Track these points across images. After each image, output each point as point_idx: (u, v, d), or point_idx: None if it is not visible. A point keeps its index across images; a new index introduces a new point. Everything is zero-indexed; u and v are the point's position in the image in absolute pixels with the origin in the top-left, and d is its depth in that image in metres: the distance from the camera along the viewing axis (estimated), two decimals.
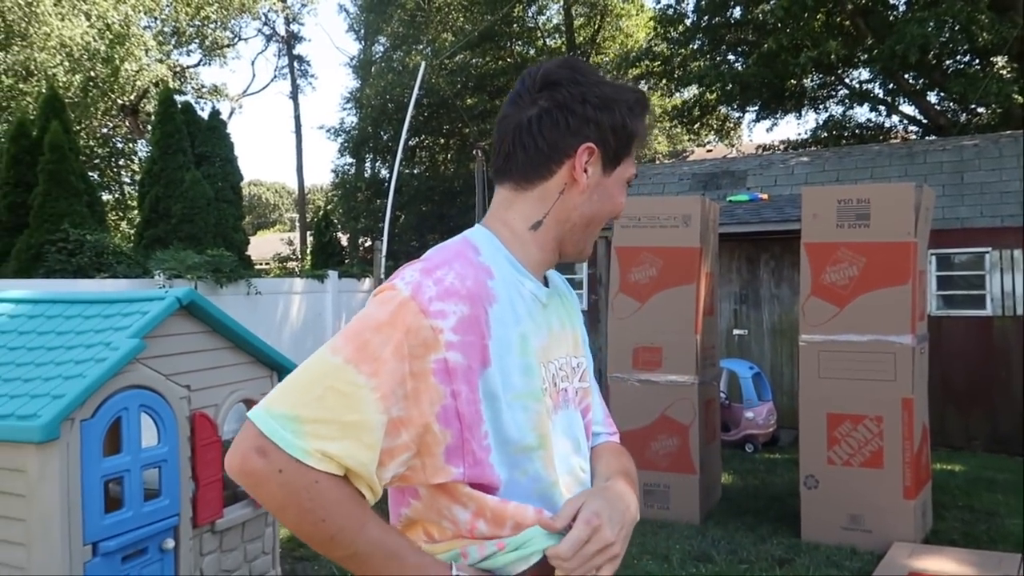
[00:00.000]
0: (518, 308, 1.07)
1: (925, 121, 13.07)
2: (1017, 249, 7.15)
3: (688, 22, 13.43)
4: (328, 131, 20.09)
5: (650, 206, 5.50)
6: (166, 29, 21.45)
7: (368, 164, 19.72)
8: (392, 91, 17.01)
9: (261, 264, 18.84)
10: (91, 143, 18.63)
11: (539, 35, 19.20)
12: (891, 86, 12.70)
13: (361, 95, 19.09)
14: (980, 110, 11.88)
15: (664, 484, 5.13)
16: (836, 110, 13.94)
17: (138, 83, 18.02)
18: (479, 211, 10.97)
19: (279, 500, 0.96)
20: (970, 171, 7.66)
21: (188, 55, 23.20)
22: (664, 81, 14.05)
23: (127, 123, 20.15)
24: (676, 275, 5.22)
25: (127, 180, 19.88)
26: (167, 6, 19.83)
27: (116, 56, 16.56)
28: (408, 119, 11.49)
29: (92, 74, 16.62)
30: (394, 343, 0.96)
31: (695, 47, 13.77)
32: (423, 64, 12.93)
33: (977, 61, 11.78)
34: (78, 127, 15.86)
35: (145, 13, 19.30)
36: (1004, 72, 10.02)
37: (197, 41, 22.91)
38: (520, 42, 19.04)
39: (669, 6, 13.99)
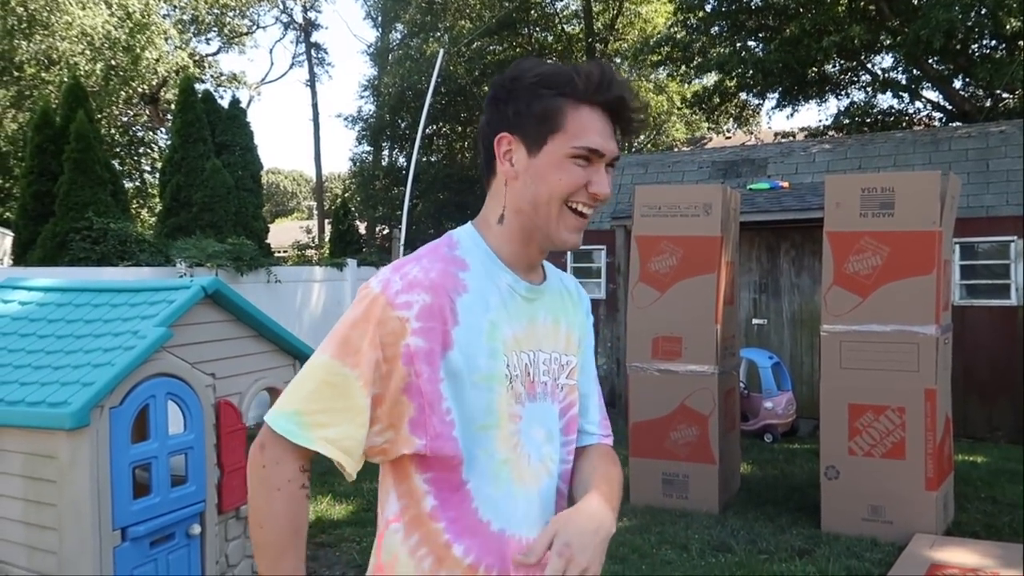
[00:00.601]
0: (490, 298, 1.16)
1: (950, 107, 12.87)
2: None
3: (708, 8, 13.28)
4: (346, 119, 20.10)
5: (671, 195, 5.47)
6: (185, 17, 21.56)
7: (386, 152, 19.75)
8: (410, 79, 16.99)
9: (280, 252, 18.96)
10: (112, 131, 18.79)
11: (557, 21, 19.08)
12: (915, 72, 12.51)
13: (379, 83, 19.09)
14: (1006, 96, 11.68)
15: (683, 474, 5.13)
16: (858, 96, 13.77)
17: (158, 71, 18.13)
18: None
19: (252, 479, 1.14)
20: (995, 158, 7.55)
21: (207, 43, 23.32)
22: (684, 68, 13.92)
23: (147, 112, 20.30)
24: (697, 264, 5.20)
25: (147, 169, 20.06)
26: None
27: (137, 44, 16.67)
28: (426, 107, 11.48)
29: (113, 63, 16.74)
30: (368, 336, 1.10)
31: (715, 33, 13.63)
32: (441, 51, 12.89)
33: (1004, 46, 11.57)
34: (99, 116, 16.01)
35: (165, 1, 19.40)
36: None
37: (216, 29, 23.01)
38: (538, 28, 18.93)
39: None
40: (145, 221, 18.30)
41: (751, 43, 13.50)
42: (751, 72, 11.55)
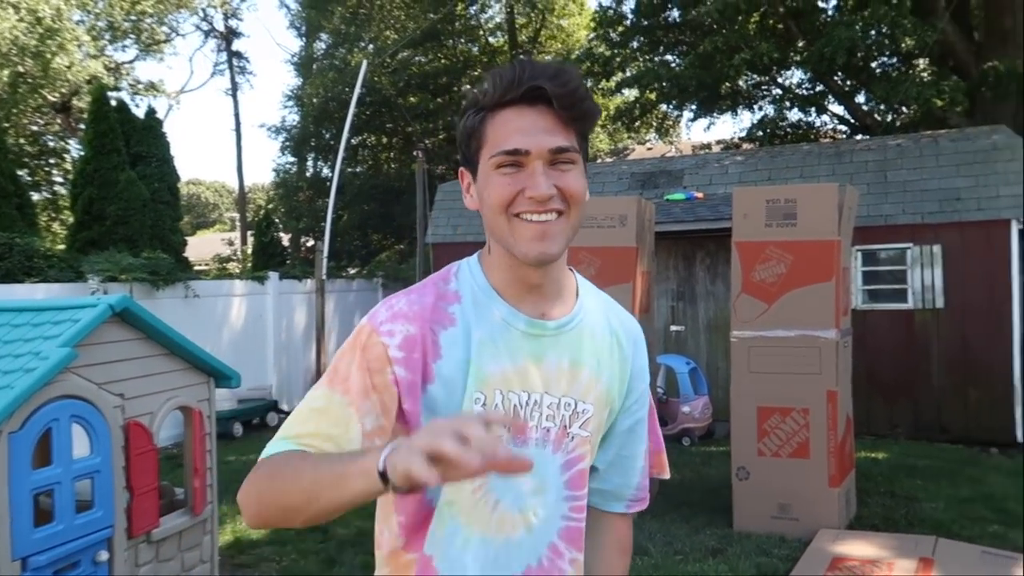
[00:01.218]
0: (476, 332, 1.11)
1: (853, 121, 13.55)
2: (936, 245, 7.51)
3: (628, 23, 13.64)
4: (269, 129, 19.83)
5: (587, 206, 5.60)
6: (100, 23, 20.78)
7: (310, 163, 19.48)
8: (334, 89, 16.83)
9: (201, 265, 18.45)
10: (20, 141, 17.96)
11: (482, 33, 19.23)
12: (821, 87, 13.13)
13: (302, 93, 18.84)
14: (904, 110, 12.38)
15: None
16: (770, 110, 14.35)
17: (70, 79, 17.43)
18: (420, 211, 10.98)
19: (248, 496, 1.06)
20: (893, 170, 8.01)
21: (123, 51, 22.53)
22: (604, 82, 14.25)
23: (59, 120, 19.48)
24: (613, 274, 5.34)
25: (59, 180, 19.23)
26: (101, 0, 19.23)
27: (47, 51, 16.01)
28: (350, 118, 11.42)
29: (21, 69, 16.02)
30: (356, 362, 1.09)
31: (634, 47, 14.00)
32: (365, 62, 12.84)
33: (901, 63, 12.27)
34: (6, 124, 15.29)
35: (78, 7, 18.69)
36: (924, 75, 10.49)
37: (133, 36, 22.27)
38: (463, 40, 19.04)
39: (609, 7, 14.19)
40: (57, 235, 17.54)
41: (668, 57, 13.92)
42: (668, 87, 11.91)
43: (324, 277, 9.99)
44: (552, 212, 1.07)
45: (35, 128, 19.22)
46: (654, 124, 18.02)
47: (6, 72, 15.69)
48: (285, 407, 9.43)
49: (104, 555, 3.07)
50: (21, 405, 2.71)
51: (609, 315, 1.24)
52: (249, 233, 19.50)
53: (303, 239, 18.23)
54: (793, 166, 8.60)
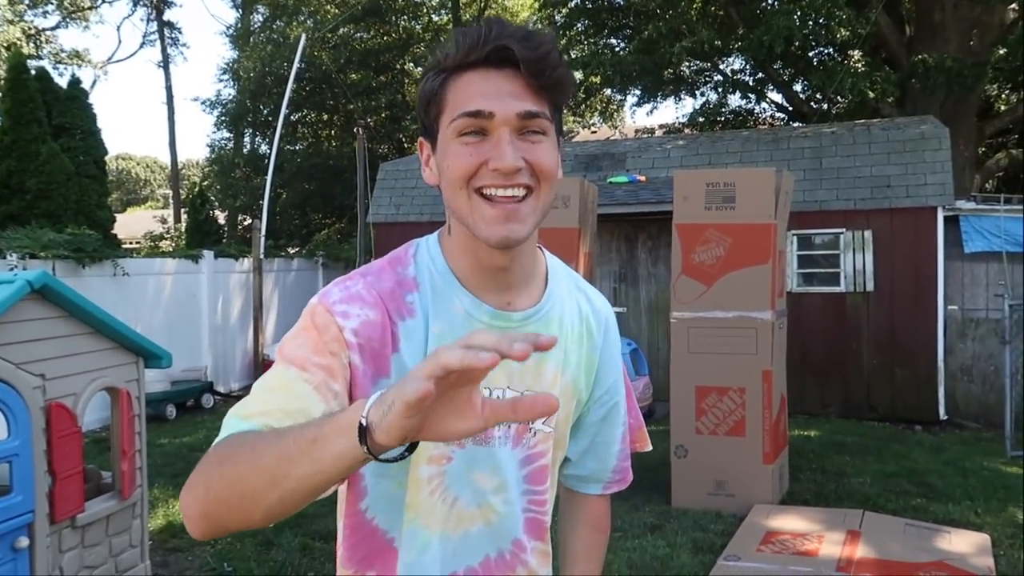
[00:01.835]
0: (435, 324, 1.01)
1: (791, 108, 13.86)
2: (867, 230, 7.75)
3: (572, 4, 13.62)
4: (203, 103, 19.16)
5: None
6: None
7: (247, 139, 18.95)
8: (272, 63, 16.37)
9: (131, 243, 17.80)
10: None
11: (425, 10, 18.95)
12: (760, 75, 13.38)
13: (238, 66, 18.27)
14: (839, 99, 12.72)
15: None
16: (711, 96, 14.57)
17: None
18: (361, 189, 10.79)
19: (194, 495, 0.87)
20: (828, 156, 8.22)
21: (44, 16, 21.47)
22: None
23: None
24: (555, 254, 5.33)
25: None
26: None
27: None
28: (288, 93, 11.13)
29: None
30: (312, 342, 0.96)
31: (579, 29, 14.00)
32: (304, 37, 12.51)
33: (837, 53, 12.58)
34: None
35: None
36: (859, 65, 10.78)
37: (55, 2, 21.21)
38: (406, 17, 18.74)
39: None
40: None
41: (612, 41, 13.97)
42: (612, 72, 11.96)
43: (262, 256, 9.74)
44: (519, 187, 0.94)
45: None
46: (598, 108, 18.10)
47: None
48: (221, 389, 9.20)
49: (24, 541, 2.93)
50: None
51: (579, 300, 1.14)
52: (183, 211, 18.90)
53: (240, 217, 17.75)
54: (733, 151, 8.74)
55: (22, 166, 9.08)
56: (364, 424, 0.71)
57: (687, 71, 14.19)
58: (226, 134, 19.00)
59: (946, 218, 7.57)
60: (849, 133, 8.44)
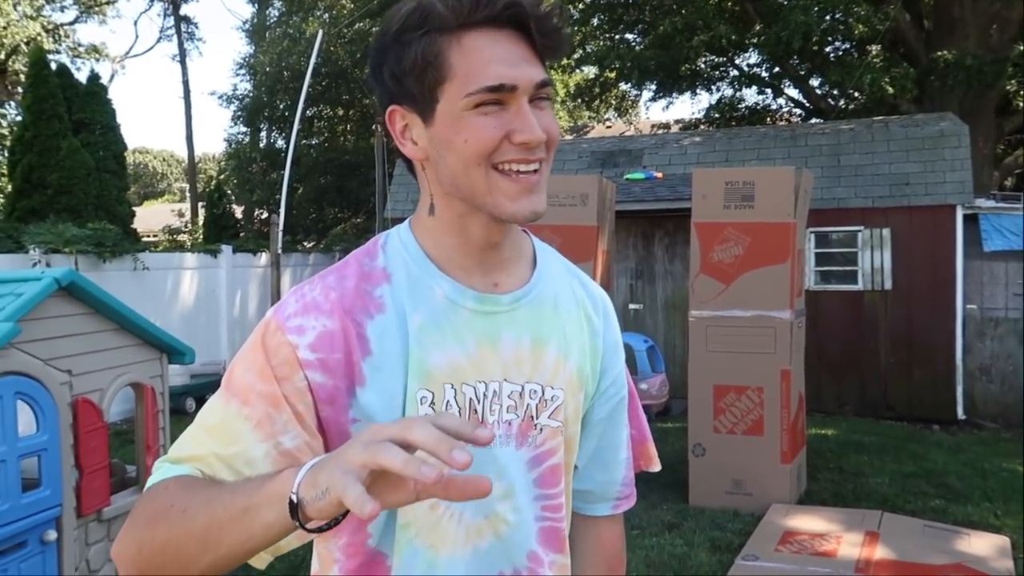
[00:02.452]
0: (414, 316, 0.90)
1: (808, 104, 13.76)
2: (885, 228, 7.69)
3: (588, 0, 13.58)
4: (220, 98, 19.21)
5: (549, 184, 5.59)
6: None
7: (263, 134, 19.02)
8: (288, 58, 16.42)
9: (149, 236, 17.94)
10: None
11: None
12: (777, 70, 13.29)
13: (255, 61, 18.34)
14: (856, 95, 12.62)
15: None
16: (727, 92, 14.49)
17: (6, 41, 16.66)
18: (379, 185, 10.83)
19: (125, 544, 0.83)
20: (846, 154, 8.16)
21: (62, 11, 21.61)
22: (564, 59, 14.20)
23: None
24: (574, 253, 5.30)
25: None
26: None
27: None
28: (305, 88, 11.16)
29: None
30: (258, 366, 0.88)
31: (595, 24, 13.95)
32: (320, 32, 12.55)
33: (854, 49, 12.47)
34: None
35: None
36: (877, 61, 10.69)
37: None
38: None
39: None
40: None
41: (628, 36, 13.91)
42: (628, 66, 11.92)
43: (279, 251, 9.80)
44: (537, 161, 0.88)
45: None
46: (613, 103, 18.04)
47: None
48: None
49: (52, 534, 2.98)
50: None
51: (573, 284, 1.03)
52: (200, 204, 19.02)
53: (257, 212, 17.84)
54: (750, 148, 8.70)
55: (43, 161, 9.18)
56: (295, 501, 0.68)
57: (703, 66, 14.11)
58: (243, 129, 19.08)
59: (965, 216, 7.51)
60: (867, 130, 8.38)
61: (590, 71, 15.47)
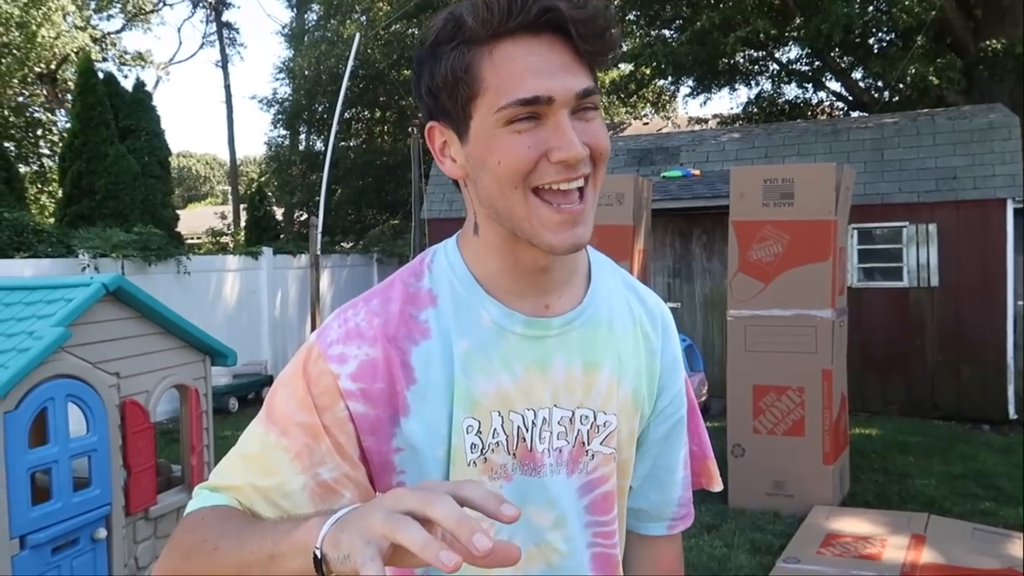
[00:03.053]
0: (460, 343, 0.87)
1: (850, 97, 13.48)
2: (931, 223, 7.51)
3: None
4: (260, 102, 19.56)
5: None
6: None
7: (303, 136, 19.31)
8: (326, 61, 16.62)
9: (193, 238, 18.33)
10: (5, 113, 17.73)
11: None
12: (818, 64, 13.05)
13: (294, 65, 18.61)
14: (901, 87, 12.33)
15: None
16: (767, 86, 14.28)
17: (56, 50, 17.17)
18: (415, 187, 10.91)
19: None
20: (889, 148, 7.98)
21: (109, 20, 22.21)
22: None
23: (45, 92, 19.22)
24: (610, 252, 5.20)
25: (46, 152, 19.03)
26: None
27: (32, 21, 15.74)
28: (343, 91, 11.29)
29: (6, 40, 15.77)
30: (299, 395, 0.86)
31: (632, 19, 13.86)
32: (357, 35, 12.68)
33: (899, 40, 12.19)
34: None
35: None
36: (921, 52, 10.43)
37: (119, 5, 21.92)
38: None
39: None
40: (46, 207, 17.38)
41: (665, 32, 13.78)
42: (664, 63, 11.82)
43: (319, 252, 9.94)
44: (581, 178, 0.81)
45: (21, 99, 18.96)
46: (650, 98, 17.90)
47: None
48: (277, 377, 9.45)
49: (102, 532, 3.07)
50: (16, 385, 2.69)
51: (630, 300, 0.99)
52: (242, 207, 19.37)
53: (297, 213, 18.12)
54: (790, 143, 8.56)
55: (91, 168, 9.45)
56: (319, 555, 0.66)
57: (742, 61, 13.92)
58: (282, 132, 19.38)
59: (1016, 210, 7.29)
60: (912, 123, 8.18)
61: (626, 68, 15.38)
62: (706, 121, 15.49)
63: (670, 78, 14.02)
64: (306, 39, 19.24)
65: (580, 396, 0.92)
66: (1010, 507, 4.78)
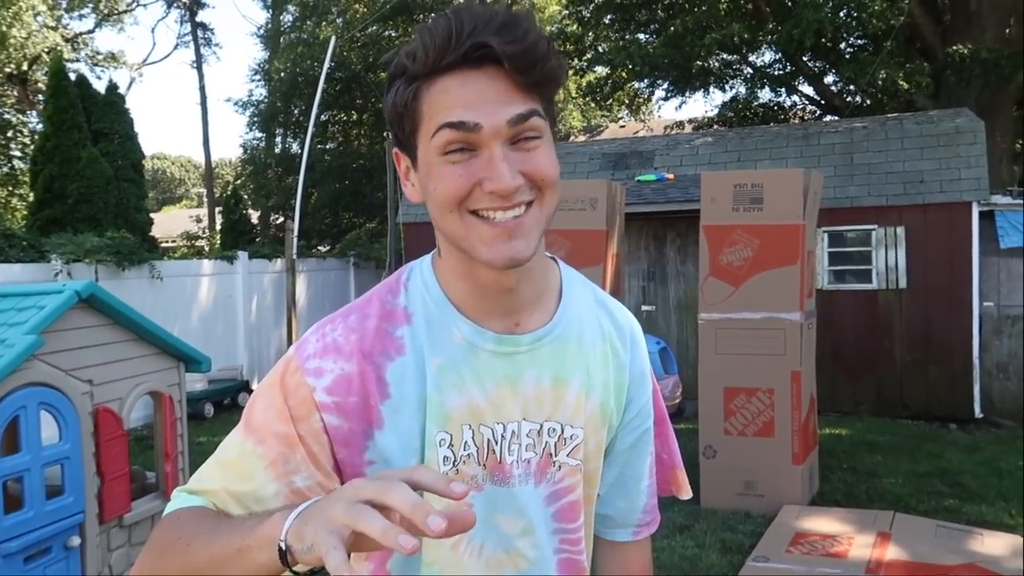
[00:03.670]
0: (433, 359, 0.91)
1: (823, 102, 13.69)
2: (900, 226, 7.66)
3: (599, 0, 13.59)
4: (236, 104, 19.42)
5: (561, 187, 5.64)
6: None
7: (279, 139, 19.20)
8: (302, 64, 16.56)
9: (168, 241, 18.17)
10: None
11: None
12: (791, 68, 13.23)
13: (270, 67, 18.51)
14: (871, 91, 12.54)
15: None
16: (741, 90, 14.44)
17: (27, 50, 16.94)
18: (390, 191, 10.91)
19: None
20: (859, 152, 8.13)
21: (81, 20, 21.96)
22: (576, 61, 14.23)
23: (16, 93, 18.95)
24: (584, 257, 5.37)
25: (17, 154, 18.76)
26: None
27: (2, 21, 15.53)
28: (319, 94, 11.26)
29: None
30: (276, 405, 0.89)
31: (607, 23, 13.96)
32: (334, 37, 12.66)
33: (868, 45, 12.40)
34: None
35: None
36: (891, 57, 10.63)
37: (91, 5, 21.67)
38: (434, 15, 18.75)
39: None
40: (16, 210, 17.14)
41: (640, 36, 13.90)
42: (639, 66, 11.93)
43: (295, 256, 9.91)
44: (520, 206, 0.83)
45: None
46: (626, 101, 18.03)
47: None
48: (256, 387, 9.41)
49: (76, 540, 3.07)
50: None
51: (600, 316, 1.02)
52: (217, 210, 19.23)
53: (273, 217, 18.02)
54: (762, 147, 8.69)
55: (63, 171, 9.35)
56: (283, 548, 0.69)
57: (716, 64, 14.08)
58: (258, 134, 19.26)
59: (981, 213, 7.45)
60: (881, 128, 8.34)
61: (602, 71, 15.50)
62: (682, 125, 15.64)
63: (646, 81, 14.14)
64: (282, 41, 19.14)
65: (549, 410, 0.95)
66: (973, 504, 4.90)
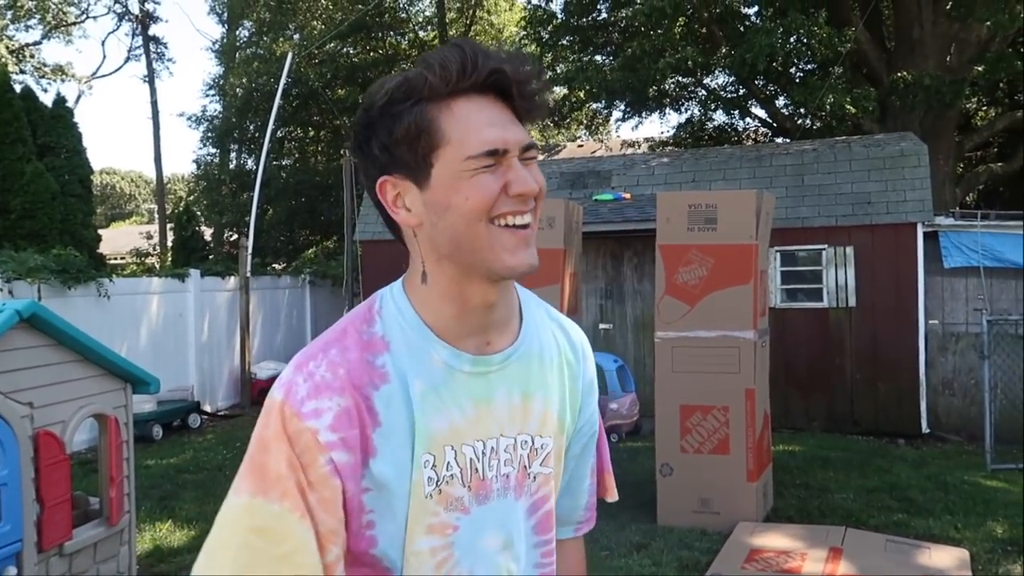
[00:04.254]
0: (416, 384, 0.94)
1: (774, 124, 14.03)
2: (849, 246, 7.86)
3: (557, 21, 13.76)
4: (189, 119, 19.10)
5: None
6: (1, 1, 19.70)
7: (233, 155, 18.94)
8: (258, 80, 16.41)
9: (117, 258, 17.73)
10: None
11: (412, 26, 19.06)
12: (744, 91, 13.54)
13: (225, 82, 18.29)
14: (821, 115, 12.91)
15: None
16: (695, 111, 14.72)
17: None
18: (347, 209, 10.83)
19: None
20: (809, 174, 8.34)
21: (27, 31, 21.46)
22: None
23: None
24: (541, 275, 5.39)
25: None
26: None
27: None
28: (275, 110, 11.16)
29: None
30: (284, 456, 0.89)
31: (564, 44, 14.14)
32: (290, 53, 12.57)
33: (818, 70, 12.78)
34: None
35: None
36: (840, 82, 10.96)
37: (38, 16, 21.19)
38: (392, 33, 18.83)
39: (539, 6, 14.28)
40: None
41: (598, 58, 14.11)
42: (596, 88, 12.09)
43: (248, 275, 9.74)
44: (530, 212, 0.93)
45: None
46: (583, 121, 18.24)
47: None
48: (208, 408, 9.17)
49: (12, 570, 2.94)
50: None
51: (554, 331, 1.09)
52: (169, 226, 18.84)
53: (227, 234, 17.72)
54: (716, 168, 8.85)
55: (6, 186, 9.07)
56: None
57: (671, 87, 14.35)
58: (212, 150, 18.99)
59: (926, 234, 7.69)
60: (830, 150, 8.57)
61: (560, 91, 15.67)
62: (639, 144, 15.88)
63: (603, 102, 14.33)
64: (238, 56, 18.95)
65: (520, 423, 1.01)
66: (921, 518, 5.01)
